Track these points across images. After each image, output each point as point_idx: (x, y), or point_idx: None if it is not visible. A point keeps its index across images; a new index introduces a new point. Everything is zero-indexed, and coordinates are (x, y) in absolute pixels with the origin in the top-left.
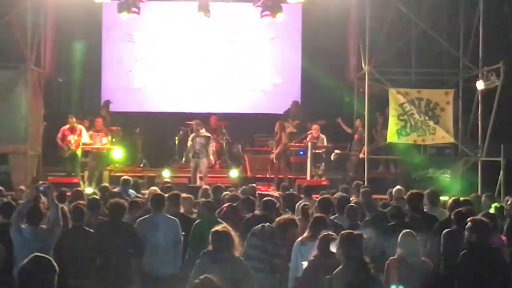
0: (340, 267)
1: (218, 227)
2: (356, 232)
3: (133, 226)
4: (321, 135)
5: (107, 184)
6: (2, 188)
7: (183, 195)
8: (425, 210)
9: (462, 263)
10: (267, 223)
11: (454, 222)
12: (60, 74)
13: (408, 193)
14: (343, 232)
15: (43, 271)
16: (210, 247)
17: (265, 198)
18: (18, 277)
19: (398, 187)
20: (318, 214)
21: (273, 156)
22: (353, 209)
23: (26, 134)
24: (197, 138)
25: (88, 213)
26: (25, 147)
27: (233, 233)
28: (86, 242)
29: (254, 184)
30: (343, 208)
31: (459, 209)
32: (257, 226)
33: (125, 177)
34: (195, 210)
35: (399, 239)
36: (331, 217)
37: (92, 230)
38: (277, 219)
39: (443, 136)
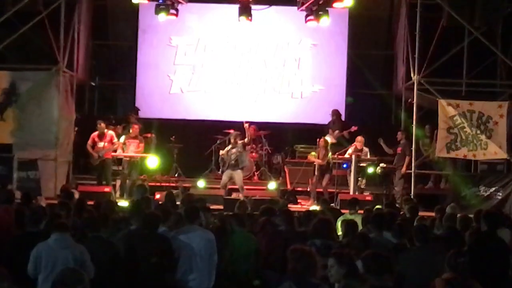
0: None
1: (299, 246)
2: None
3: (169, 238)
4: (364, 148)
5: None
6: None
7: None
8: None
9: None
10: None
11: None
12: (93, 78)
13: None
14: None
15: (74, 284)
16: (290, 269)
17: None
18: None
19: (452, 204)
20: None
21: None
22: (400, 226)
23: (56, 140)
24: (233, 149)
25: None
26: (55, 153)
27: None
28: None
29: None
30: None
31: None
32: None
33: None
34: None
35: (447, 260)
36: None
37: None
38: None
39: (495, 151)
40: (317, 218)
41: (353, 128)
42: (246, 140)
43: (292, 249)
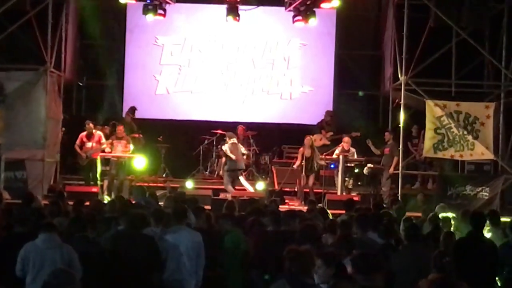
0: None
1: (295, 247)
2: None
3: (154, 239)
4: (351, 148)
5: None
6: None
7: None
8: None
9: None
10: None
11: None
12: (81, 78)
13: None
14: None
15: (66, 284)
16: (286, 268)
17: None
18: None
19: (441, 204)
20: (343, 232)
21: (295, 166)
22: (386, 227)
23: (43, 140)
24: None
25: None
26: (42, 153)
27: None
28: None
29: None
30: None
31: None
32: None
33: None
34: None
35: (432, 260)
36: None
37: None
38: None
39: (482, 152)
40: (302, 224)
41: (354, 134)
42: (228, 146)
43: (288, 249)
